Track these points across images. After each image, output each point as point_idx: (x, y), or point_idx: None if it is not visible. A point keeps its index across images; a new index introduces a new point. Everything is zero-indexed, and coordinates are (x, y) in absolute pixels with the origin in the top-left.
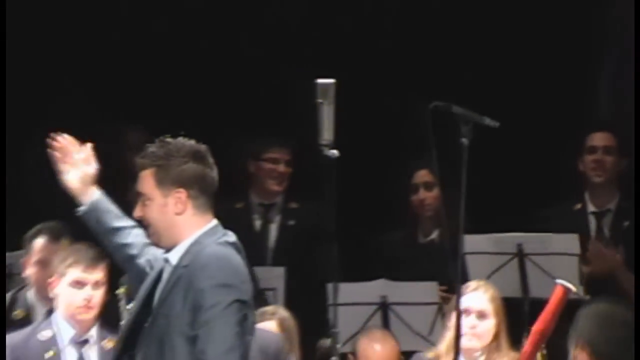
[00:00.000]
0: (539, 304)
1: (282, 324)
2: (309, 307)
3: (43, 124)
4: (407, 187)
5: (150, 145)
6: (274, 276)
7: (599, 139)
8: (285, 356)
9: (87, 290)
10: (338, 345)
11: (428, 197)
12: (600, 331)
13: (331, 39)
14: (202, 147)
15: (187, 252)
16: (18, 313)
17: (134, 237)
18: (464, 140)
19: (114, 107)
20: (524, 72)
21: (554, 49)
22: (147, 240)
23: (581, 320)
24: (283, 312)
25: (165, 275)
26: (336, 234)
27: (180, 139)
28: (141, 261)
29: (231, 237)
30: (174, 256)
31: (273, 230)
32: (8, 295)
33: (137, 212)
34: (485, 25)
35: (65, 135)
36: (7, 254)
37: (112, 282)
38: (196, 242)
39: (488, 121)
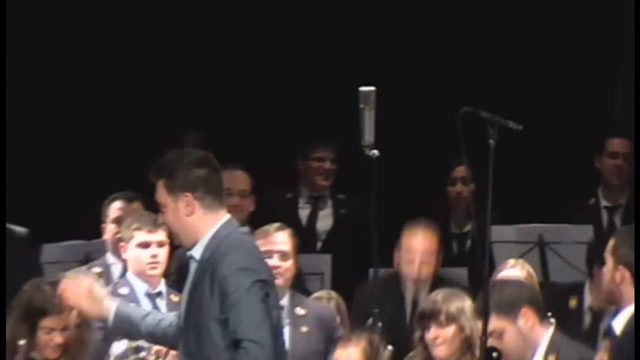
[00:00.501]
0: (558, 287)
1: (338, 307)
2: (353, 291)
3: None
4: (441, 184)
5: (159, 160)
6: (322, 262)
7: (619, 145)
8: (337, 326)
9: (152, 250)
10: (379, 324)
11: (464, 190)
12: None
13: (375, 49)
14: (206, 154)
15: (207, 246)
16: (99, 272)
17: (158, 316)
18: (491, 142)
19: (172, 111)
20: (545, 80)
21: (571, 58)
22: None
23: (619, 245)
24: (337, 296)
25: (192, 270)
26: (377, 224)
27: (186, 150)
28: (173, 323)
29: (243, 228)
30: (197, 252)
31: (321, 219)
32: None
33: (160, 219)
34: (508, 37)
35: (63, 281)
36: (87, 242)
37: None
38: (214, 237)
39: (512, 124)
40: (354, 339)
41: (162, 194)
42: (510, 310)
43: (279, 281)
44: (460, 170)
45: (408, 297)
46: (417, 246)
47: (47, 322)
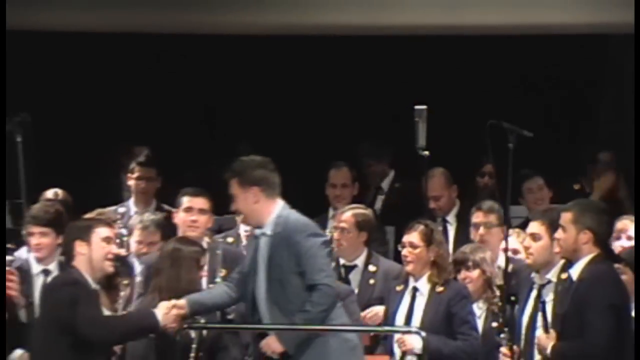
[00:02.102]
0: None
1: None
2: None
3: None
4: (473, 176)
5: (234, 163)
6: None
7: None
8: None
9: (194, 215)
10: None
11: (489, 181)
12: (598, 216)
13: (427, 75)
14: (265, 159)
15: (276, 223)
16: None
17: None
18: (510, 145)
19: (225, 125)
20: (548, 100)
21: (568, 83)
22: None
23: (580, 214)
24: None
25: (263, 242)
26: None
27: (251, 157)
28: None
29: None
30: (268, 229)
31: (379, 201)
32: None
33: (233, 207)
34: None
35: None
36: (221, 217)
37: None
38: (278, 216)
39: (525, 133)
40: (414, 225)
41: (235, 188)
42: (550, 223)
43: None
44: (488, 167)
45: None
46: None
47: None
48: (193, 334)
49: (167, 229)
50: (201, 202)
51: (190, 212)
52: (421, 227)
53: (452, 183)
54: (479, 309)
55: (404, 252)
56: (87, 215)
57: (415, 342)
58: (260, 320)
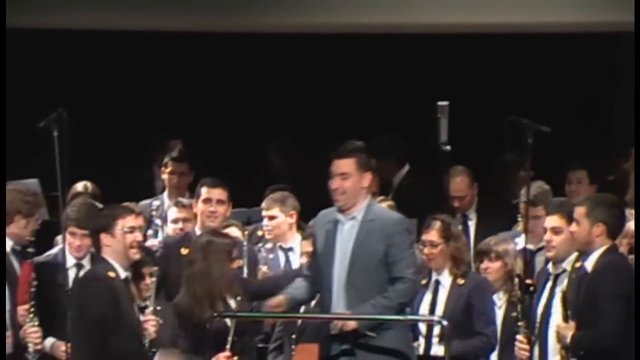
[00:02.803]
0: None
1: None
2: None
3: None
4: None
5: (351, 143)
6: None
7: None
8: None
9: (212, 206)
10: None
11: (578, 189)
12: (610, 210)
13: (448, 72)
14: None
15: (366, 211)
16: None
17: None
18: (529, 140)
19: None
20: (564, 99)
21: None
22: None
23: (593, 208)
24: None
25: (348, 227)
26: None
27: (360, 142)
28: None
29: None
30: (359, 215)
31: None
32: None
33: (335, 184)
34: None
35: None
36: (250, 209)
37: None
38: (369, 205)
39: (544, 128)
40: (431, 223)
41: (351, 167)
42: (568, 216)
43: None
44: (579, 173)
45: None
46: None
47: None
48: (229, 322)
49: None
50: (219, 193)
51: (209, 203)
52: (438, 223)
53: (474, 181)
54: (499, 300)
55: (425, 250)
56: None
57: None
58: (328, 308)
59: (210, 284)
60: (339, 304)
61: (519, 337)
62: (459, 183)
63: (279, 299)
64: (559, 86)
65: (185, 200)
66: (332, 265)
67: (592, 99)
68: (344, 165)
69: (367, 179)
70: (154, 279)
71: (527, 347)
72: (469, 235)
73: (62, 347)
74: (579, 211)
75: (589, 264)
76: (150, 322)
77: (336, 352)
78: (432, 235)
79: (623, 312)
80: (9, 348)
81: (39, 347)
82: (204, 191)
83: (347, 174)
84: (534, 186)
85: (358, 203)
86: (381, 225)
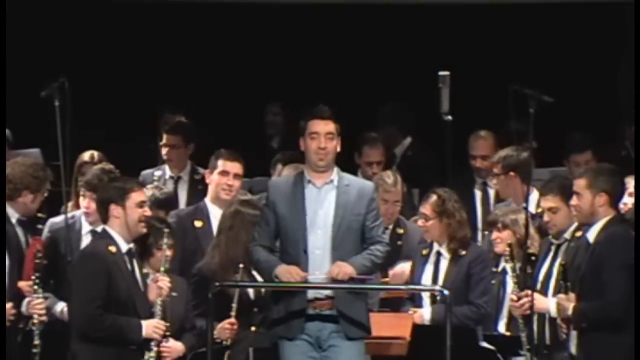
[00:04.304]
0: None
1: None
2: None
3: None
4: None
5: (324, 106)
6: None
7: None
8: None
9: (230, 179)
10: None
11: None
12: (611, 178)
13: (448, 40)
14: None
15: (339, 176)
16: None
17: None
18: (531, 110)
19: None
20: (568, 68)
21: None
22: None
23: (594, 179)
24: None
25: (325, 191)
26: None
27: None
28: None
29: None
30: (335, 179)
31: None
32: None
33: (322, 143)
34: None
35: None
36: (251, 180)
37: None
38: (339, 172)
39: (546, 98)
40: (428, 196)
41: (334, 127)
42: (562, 192)
43: None
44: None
45: None
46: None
47: None
48: (231, 292)
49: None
50: (237, 167)
51: (226, 176)
52: (434, 198)
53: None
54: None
55: (419, 222)
56: None
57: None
58: (306, 269)
59: (237, 252)
60: (323, 264)
61: (512, 296)
62: (483, 143)
63: (301, 274)
64: (562, 56)
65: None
66: (305, 229)
67: (596, 69)
68: (330, 126)
69: (339, 144)
70: (168, 252)
71: (519, 305)
72: (489, 203)
73: None
74: (580, 183)
75: (591, 234)
76: (163, 282)
77: (312, 314)
78: (426, 209)
79: (628, 282)
80: (9, 319)
81: (43, 318)
82: (221, 163)
83: (333, 134)
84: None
85: (332, 168)
86: (358, 190)
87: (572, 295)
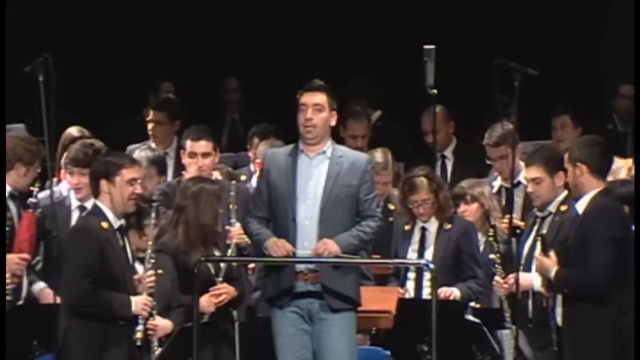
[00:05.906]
0: None
1: None
2: None
3: None
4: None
5: (318, 80)
6: None
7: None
8: None
9: (198, 160)
10: None
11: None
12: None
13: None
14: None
15: (333, 148)
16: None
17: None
18: (516, 83)
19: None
20: (553, 40)
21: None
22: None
23: (572, 152)
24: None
25: (317, 162)
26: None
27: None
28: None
29: None
30: (328, 151)
31: None
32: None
33: (309, 115)
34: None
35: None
36: (236, 154)
37: None
38: (332, 143)
39: (531, 71)
40: (417, 181)
41: (324, 100)
42: (545, 163)
43: None
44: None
45: None
46: None
47: None
48: (212, 267)
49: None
50: (203, 146)
51: (195, 157)
52: (424, 181)
53: (450, 119)
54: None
55: (420, 210)
56: None
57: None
58: (294, 240)
59: (202, 229)
60: (312, 235)
61: (497, 278)
62: (432, 115)
63: (287, 247)
64: (546, 29)
65: (140, 157)
66: (295, 199)
67: (580, 41)
68: (318, 97)
69: (334, 117)
70: (153, 231)
71: (505, 286)
72: (446, 177)
73: (50, 295)
74: (565, 158)
75: (580, 206)
76: (149, 278)
77: (301, 290)
78: (423, 194)
79: (613, 255)
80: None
81: (11, 286)
82: (188, 145)
83: (321, 106)
84: (497, 127)
85: (325, 139)
86: (351, 162)
87: (553, 256)
